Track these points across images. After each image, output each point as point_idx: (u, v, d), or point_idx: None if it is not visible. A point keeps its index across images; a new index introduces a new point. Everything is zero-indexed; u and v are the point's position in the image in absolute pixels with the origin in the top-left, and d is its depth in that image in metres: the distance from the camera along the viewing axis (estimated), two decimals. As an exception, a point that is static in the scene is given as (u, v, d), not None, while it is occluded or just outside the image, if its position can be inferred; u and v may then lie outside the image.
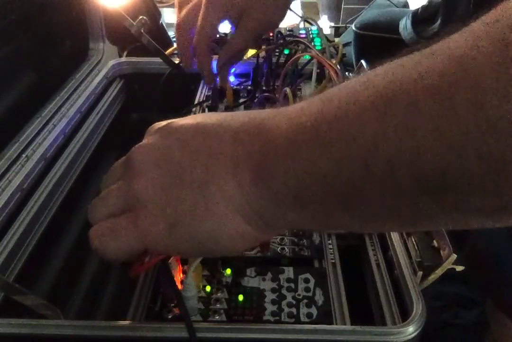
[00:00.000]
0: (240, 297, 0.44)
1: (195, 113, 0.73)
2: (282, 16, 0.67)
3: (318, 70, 0.71)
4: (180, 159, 0.30)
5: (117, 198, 0.33)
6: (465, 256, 0.45)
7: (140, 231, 0.31)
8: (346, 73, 0.77)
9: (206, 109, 0.73)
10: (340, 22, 2.31)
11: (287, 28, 0.95)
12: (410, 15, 1.24)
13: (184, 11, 0.66)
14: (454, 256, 0.44)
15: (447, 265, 0.45)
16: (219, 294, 0.45)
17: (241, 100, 0.75)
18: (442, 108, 0.21)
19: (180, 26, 0.66)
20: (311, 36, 0.91)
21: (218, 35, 0.70)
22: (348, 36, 1.65)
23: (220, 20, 0.63)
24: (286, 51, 0.76)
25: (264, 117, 0.29)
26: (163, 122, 0.34)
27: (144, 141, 0.34)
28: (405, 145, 0.22)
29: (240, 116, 0.30)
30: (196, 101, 0.76)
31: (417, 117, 0.22)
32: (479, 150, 0.20)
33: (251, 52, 0.73)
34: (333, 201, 0.26)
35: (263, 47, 0.72)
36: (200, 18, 0.63)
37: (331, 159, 0.25)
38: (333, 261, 0.49)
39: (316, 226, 0.33)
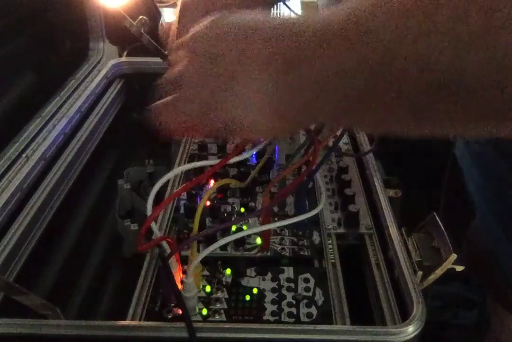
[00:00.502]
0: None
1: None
2: None
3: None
4: (216, 52, 0.34)
5: (168, 81, 0.38)
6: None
7: (180, 111, 0.36)
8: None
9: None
10: (340, 22, 2.31)
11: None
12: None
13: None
14: (454, 256, 0.44)
15: (447, 265, 0.45)
16: (219, 294, 0.45)
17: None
18: (457, 13, 0.23)
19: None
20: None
21: None
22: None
23: None
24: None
25: (295, 20, 0.32)
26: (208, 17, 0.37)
27: (197, 28, 0.37)
28: (420, 49, 0.25)
29: (269, 17, 0.34)
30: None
31: (433, 23, 0.24)
32: (489, 49, 0.23)
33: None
34: (354, 97, 0.29)
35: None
36: (177, 33, 0.59)
37: (354, 56, 0.27)
38: (333, 261, 0.49)
39: (335, 120, 0.36)
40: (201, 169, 0.60)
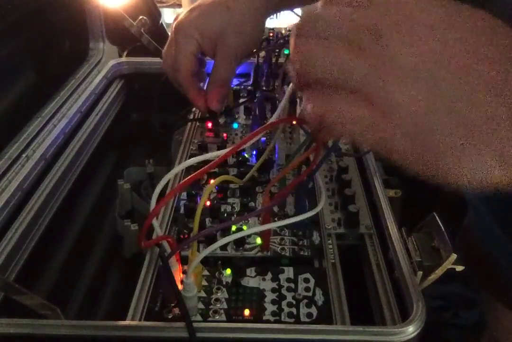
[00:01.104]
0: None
1: (195, 114, 0.73)
2: (259, 34, 0.60)
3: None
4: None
5: (344, 28, 0.25)
6: (459, 250, 0.45)
7: (368, 124, 0.26)
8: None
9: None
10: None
11: (287, 28, 0.95)
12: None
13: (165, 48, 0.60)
14: (454, 256, 0.44)
15: (447, 265, 0.45)
16: (219, 294, 0.45)
17: (241, 100, 0.75)
18: None
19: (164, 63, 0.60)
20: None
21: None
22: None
23: (195, 54, 0.56)
24: (286, 51, 0.76)
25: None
26: None
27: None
28: None
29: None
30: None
31: None
32: None
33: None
34: None
35: (263, 47, 0.72)
36: (174, 54, 0.57)
37: None
38: (333, 261, 0.49)
39: None
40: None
